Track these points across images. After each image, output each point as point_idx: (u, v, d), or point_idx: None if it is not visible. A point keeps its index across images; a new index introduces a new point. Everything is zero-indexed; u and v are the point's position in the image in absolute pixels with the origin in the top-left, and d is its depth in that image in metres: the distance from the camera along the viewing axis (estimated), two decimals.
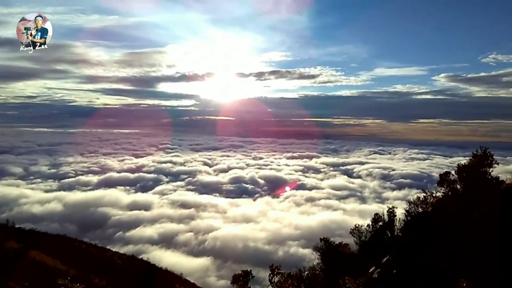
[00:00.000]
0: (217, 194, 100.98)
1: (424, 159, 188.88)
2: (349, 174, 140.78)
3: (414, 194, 18.40)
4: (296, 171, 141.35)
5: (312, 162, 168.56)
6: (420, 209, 16.01)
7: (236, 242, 62.10)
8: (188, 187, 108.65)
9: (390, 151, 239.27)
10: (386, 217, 16.32)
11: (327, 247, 16.77)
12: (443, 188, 16.10)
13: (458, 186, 15.56)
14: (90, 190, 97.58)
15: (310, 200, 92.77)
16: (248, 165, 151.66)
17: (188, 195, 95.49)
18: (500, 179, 14.75)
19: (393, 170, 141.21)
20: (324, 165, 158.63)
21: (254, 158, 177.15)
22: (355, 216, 71.33)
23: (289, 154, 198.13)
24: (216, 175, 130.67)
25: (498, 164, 16.10)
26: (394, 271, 12.01)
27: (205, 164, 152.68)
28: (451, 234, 9.92)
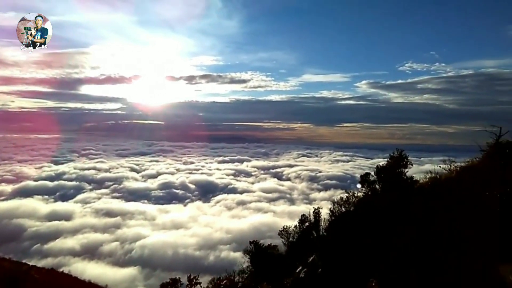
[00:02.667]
0: (145, 201, 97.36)
1: (348, 161, 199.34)
2: (279, 176, 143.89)
3: (339, 194, 19.20)
4: (228, 175, 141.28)
5: (243, 166, 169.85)
6: (343, 208, 16.74)
7: (166, 249, 60.34)
8: (114, 194, 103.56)
9: (317, 153, 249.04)
10: (312, 217, 16.84)
11: (256, 250, 16.88)
12: (364, 188, 17.00)
13: (377, 186, 16.52)
14: (3, 200, 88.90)
15: (241, 203, 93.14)
16: (178, 170, 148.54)
17: (114, 203, 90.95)
18: (414, 178, 15.85)
19: (320, 172, 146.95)
20: (255, 169, 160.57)
21: (184, 163, 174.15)
22: (284, 217, 72.92)
23: (221, 158, 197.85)
24: (144, 181, 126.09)
25: (412, 165, 17.34)
26: (320, 269, 12.38)
27: (132, 170, 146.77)
28: (370, 233, 10.44)
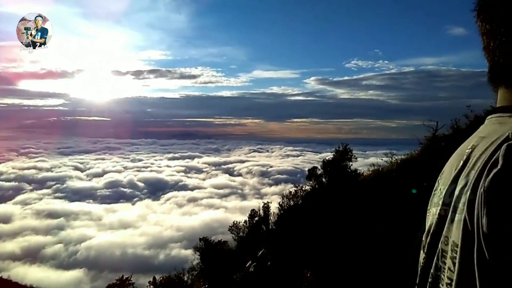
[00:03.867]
0: (91, 201, 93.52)
1: (298, 156, 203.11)
2: (230, 172, 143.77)
3: (289, 188, 19.57)
4: (178, 172, 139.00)
5: (194, 162, 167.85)
6: (291, 202, 17.08)
7: (113, 249, 58.43)
8: (56, 194, 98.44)
9: (268, 149, 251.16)
10: (261, 212, 17.02)
11: (207, 246, 16.79)
12: (311, 182, 17.44)
13: (324, 180, 17.01)
14: None
15: (193, 200, 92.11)
16: (125, 168, 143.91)
17: (56, 204, 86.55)
18: (358, 171, 16.47)
19: (271, 167, 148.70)
20: (206, 165, 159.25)
21: (132, 160, 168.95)
22: (236, 213, 72.93)
23: (171, 155, 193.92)
24: (89, 180, 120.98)
25: (356, 158, 17.99)
26: (269, 263, 12.55)
27: (76, 168, 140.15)
28: (313, 225, 10.74)
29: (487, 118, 0.78)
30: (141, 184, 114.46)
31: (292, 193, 17.10)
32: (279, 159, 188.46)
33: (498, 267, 0.57)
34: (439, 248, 0.76)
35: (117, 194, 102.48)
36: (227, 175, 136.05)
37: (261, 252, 13.34)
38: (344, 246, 7.63)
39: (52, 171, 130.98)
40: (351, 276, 6.80)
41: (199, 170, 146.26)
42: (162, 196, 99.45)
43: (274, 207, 17.50)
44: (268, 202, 17.01)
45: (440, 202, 0.79)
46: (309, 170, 17.72)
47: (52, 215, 75.14)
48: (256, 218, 16.80)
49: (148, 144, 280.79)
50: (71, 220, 72.98)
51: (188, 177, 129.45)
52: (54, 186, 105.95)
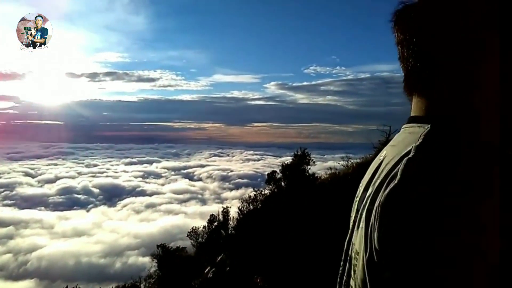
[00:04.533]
0: (42, 208, 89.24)
1: (258, 160, 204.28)
2: (190, 177, 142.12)
3: (249, 193, 19.59)
4: (136, 177, 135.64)
5: (153, 167, 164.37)
6: (251, 206, 17.11)
7: (67, 259, 56.02)
8: (5, 202, 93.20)
9: (228, 153, 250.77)
10: (221, 217, 16.92)
11: (164, 253, 16.46)
12: (270, 186, 17.58)
13: (283, 184, 17.20)
14: None
15: (151, 206, 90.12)
16: (80, 173, 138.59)
17: (5, 211, 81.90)
18: (316, 175, 16.78)
19: (232, 171, 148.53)
20: (165, 170, 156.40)
21: (87, 166, 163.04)
22: (196, 218, 72.00)
23: (128, 160, 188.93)
24: (41, 186, 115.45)
25: (315, 162, 18.31)
26: (228, 268, 12.48)
27: (27, 174, 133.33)
28: (272, 230, 10.81)
29: (402, 126, 0.79)
30: (96, 190, 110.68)
31: (252, 197, 17.14)
32: (240, 163, 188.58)
33: (384, 282, 0.58)
34: (349, 255, 0.77)
35: (70, 201, 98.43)
36: (187, 180, 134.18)
37: (220, 257, 13.25)
38: (299, 250, 7.72)
39: (0, 178, 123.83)
40: (304, 280, 6.88)
41: (157, 175, 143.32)
42: (119, 202, 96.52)
43: (233, 212, 17.46)
44: (227, 207, 16.94)
45: (355, 208, 0.80)
46: (268, 174, 17.85)
47: (0, 223, 71.00)
48: (216, 223, 16.68)
49: (104, 148, 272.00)
50: (21, 229, 69.27)
51: (146, 182, 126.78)
52: (3, 193, 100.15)
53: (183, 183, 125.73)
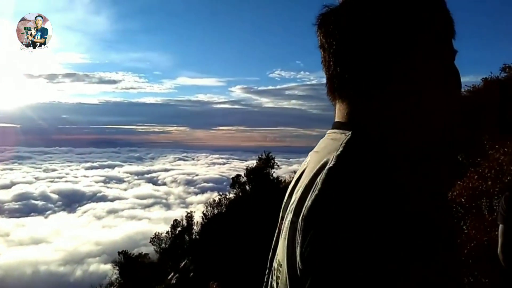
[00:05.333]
0: None
1: (224, 164, 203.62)
2: (154, 181, 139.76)
3: (215, 197, 19.50)
4: (97, 182, 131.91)
5: (115, 172, 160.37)
6: (215, 211, 17.04)
7: (24, 267, 53.64)
8: None
9: (193, 157, 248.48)
10: (185, 222, 16.74)
11: (126, 260, 16.09)
12: (235, 190, 17.59)
13: (247, 187, 17.27)
14: None
15: (113, 212, 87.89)
16: (37, 178, 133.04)
17: None
18: (280, 178, 16.96)
19: (197, 175, 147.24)
20: (128, 174, 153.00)
21: (45, 171, 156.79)
22: (161, 223, 70.88)
23: (88, 164, 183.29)
24: None
25: (279, 166, 18.49)
26: (191, 274, 12.35)
27: None
28: (236, 234, 10.82)
29: (327, 131, 0.77)
30: (54, 196, 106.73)
31: (216, 201, 17.09)
32: (205, 167, 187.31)
33: None
34: (273, 266, 0.73)
35: (27, 207, 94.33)
36: (150, 184, 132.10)
37: (183, 263, 13.10)
38: (260, 254, 7.76)
39: None
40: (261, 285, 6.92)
41: (120, 180, 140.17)
42: (79, 208, 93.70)
43: (198, 216, 17.33)
44: (191, 212, 16.81)
45: (280, 216, 0.76)
46: (233, 178, 17.88)
47: None
48: (179, 228, 16.49)
49: (63, 152, 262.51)
50: None
51: (108, 187, 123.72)
52: None
53: (146, 188, 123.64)
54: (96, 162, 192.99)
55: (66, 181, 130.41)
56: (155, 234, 16.57)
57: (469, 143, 7.14)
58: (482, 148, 6.37)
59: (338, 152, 0.64)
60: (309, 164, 0.75)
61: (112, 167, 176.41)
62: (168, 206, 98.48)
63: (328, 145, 0.71)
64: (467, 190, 5.64)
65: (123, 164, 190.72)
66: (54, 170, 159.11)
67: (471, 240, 4.63)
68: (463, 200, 5.54)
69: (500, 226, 2.24)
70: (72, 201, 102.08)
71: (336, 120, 0.75)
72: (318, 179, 0.61)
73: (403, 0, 0.65)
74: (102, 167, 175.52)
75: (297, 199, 0.66)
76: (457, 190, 5.88)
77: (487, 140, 6.36)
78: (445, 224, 0.59)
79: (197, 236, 15.96)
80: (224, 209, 16.52)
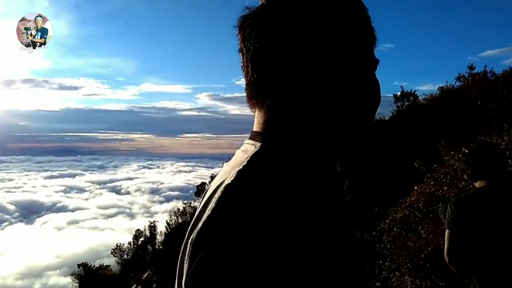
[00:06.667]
0: None
1: (190, 171, 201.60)
2: (117, 191, 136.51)
3: (180, 205, 19.22)
4: (57, 192, 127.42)
5: (76, 181, 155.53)
6: (180, 219, 16.73)
7: None
8: None
9: (158, 165, 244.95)
10: (148, 232, 16.33)
11: (86, 272, 15.52)
12: (200, 198, 17.40)
13: None
14: None
15: (74, 222, 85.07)
16: None
17: None
18: None
19: (162, 183, 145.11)
20: (90, 183, 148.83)
21: (1, 180, 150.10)
22: (124, 234, 69.22)
23: (48, 174, 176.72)
24: None
25: None
26: (154, 285, 12.03)
27: None
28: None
29: (244, 141, 0.72)
30: (11, 207, 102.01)
31: (181, 210, 16.81)
32: (171, 175, 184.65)
33: None
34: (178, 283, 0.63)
35: None
36: (113, 193, 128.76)
37: (146, 274, 12.75)
38: None
39: None
40: None
41: (81, 190, 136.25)
42: (37, 219, 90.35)
43: (162, 226, 16.97)
44: (154, 221, 16.44)
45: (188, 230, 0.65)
46: (197, 186, 17.68)
47: None
48: (142, 239, 16.07)
49: (20, 161, 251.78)
50: None
51: (68, 197, 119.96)
52: None
53: (109, 197, 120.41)
54: (55, 171, 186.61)
55: (24, 191, 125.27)
56: (116, 245, 16.10)
57: (426, 149, 7.39)
58: (439, 154, 6.59)
59: (240, 167, 0.59)
60: (217, 176, 0.69)
61: (72, 176, 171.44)
62: (132, 216, 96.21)
63: (237, 158, 0.67)
64: (424, 195, 5.80)
65: (84, 173, 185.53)
66: (11, 179, 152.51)
67: (428, 244, 4.75)
68: (420, 205, 5.69)
69: (447, 231, 2.31)
70: (30, 212, 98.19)
71: (254, 129, 0.70)
72: (215, 197, 0.56)
73: (320, 9, 0.62)
74: (62, 176, 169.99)
75: (195, 217, 0.60)
76: (415, 195, 6.05)
77: (443, 146, 6.58)
78: (343, 244, 0.56)
79: (160, 246, 15.60)
80: (189, 217, 16.25)
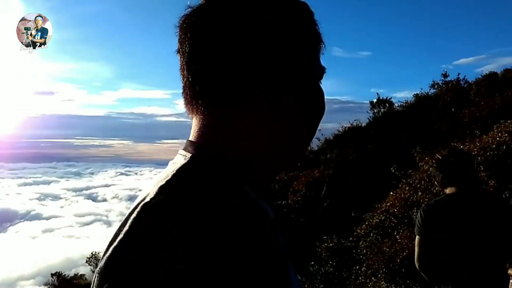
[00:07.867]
0: None
1: None
2: (94, 198, 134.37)
3: None
4: (31, 199, 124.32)
5: (51, 188, 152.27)
6: None
7: None
8: None
9: (136, 171, 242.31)
10: None
11: (60, 282, 15.17)
12: None
13: None
14: None
15: (49, 230, 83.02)
16: None
17: None
18: None
19: (140, 190, 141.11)
20: (65, 190, 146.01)
21: None
22: (101, 242, 67.96)
23: (22, 181, 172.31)
24: None
25: None
26: None
27: None
28: None
29: (179, 151, 0.67)
30: None
31: None
32: (149, 182, 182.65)
33: None
34: None
35: None
36: (90, 201, 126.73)
37: None
38: None
39: None
40: None
41: (56, 197, 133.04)
42: (10, 227, 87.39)
43: None
44: None
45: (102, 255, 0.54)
46: None
47: None
48: None
49: None
50: None
51: (43, 205, 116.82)
52: None
53: (85, 205, 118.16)
54: (30, 178, 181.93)
55: None
56: (91, 253, 15.75)
57: (402, 155, 7.52)
58: (413, 160, 6.71)
59: (163, 182, 0.54)
60: (141, 192, 0.64)
61: (47, 183, 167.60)
62: (109, 224, 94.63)
63: (166, 170, 0.62)
64: (399, 200, 5.89)
65: (59, 180, 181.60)
66: None
67: (404, 249, 4.81)
68: (395, 210, 5.77)
69: (417, 237, 2.34)
70: (3, 220, 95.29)
71: (189, 137, 0.66)
72: (132, 217, 0.50)
73: (258, 11, 0.58)
74: (36, 183, 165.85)
75: (109, 241, 0.51)
76: (390, 200, 6.13)
77: (417, 152, 6.70)
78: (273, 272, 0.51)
79: None
80: None
